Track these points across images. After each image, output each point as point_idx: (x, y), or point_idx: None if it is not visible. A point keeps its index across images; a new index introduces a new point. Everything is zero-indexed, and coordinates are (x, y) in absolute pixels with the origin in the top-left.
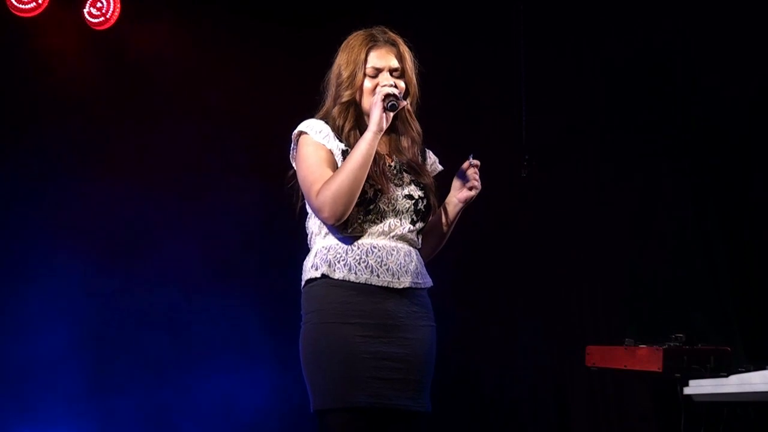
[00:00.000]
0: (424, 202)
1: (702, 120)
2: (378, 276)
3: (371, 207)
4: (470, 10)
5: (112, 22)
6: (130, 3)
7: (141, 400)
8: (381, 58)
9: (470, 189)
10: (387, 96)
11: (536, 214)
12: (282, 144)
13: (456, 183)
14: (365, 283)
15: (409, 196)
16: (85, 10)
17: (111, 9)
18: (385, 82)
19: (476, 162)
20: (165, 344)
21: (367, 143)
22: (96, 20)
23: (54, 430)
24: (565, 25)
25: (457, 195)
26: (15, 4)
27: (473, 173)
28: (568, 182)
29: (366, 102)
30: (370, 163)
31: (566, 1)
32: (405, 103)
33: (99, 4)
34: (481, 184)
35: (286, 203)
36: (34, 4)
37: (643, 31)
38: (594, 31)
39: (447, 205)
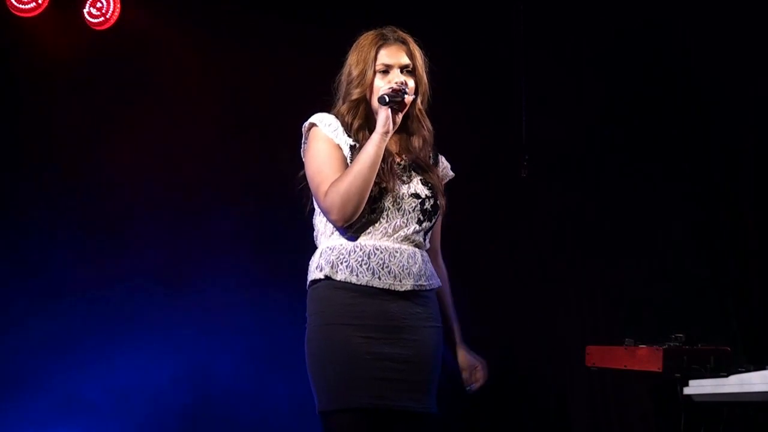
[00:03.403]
0: (432, 202)
1: (703, 120)
2: (379, 278)
3: (376, 206)
4: (470, 10)
5: (112, 22)
6: (130, 3)
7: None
8: (391, 55)
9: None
10: (386, 94)
11: (536, 214)
12: (286, 143)
13: (474, 365)
14: (366, 285)
15: (416, 195)
16: (85, 10)
17: (111, 9)
18: (398, 78)
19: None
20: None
21: (374, 145)
22: (96, 20)
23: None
24: (565, 25)
25: (465, 373)
26: (15, 4)
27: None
28: (567, 182)
29: (376, 100)
30: (379, 165)
31: (566, 1)
32: (410, 99)
33: (99, 4)
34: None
35: (295, 203)
36: (34, 4)
37: (644, 31)
38: (594, 31)
39: (454, 345)
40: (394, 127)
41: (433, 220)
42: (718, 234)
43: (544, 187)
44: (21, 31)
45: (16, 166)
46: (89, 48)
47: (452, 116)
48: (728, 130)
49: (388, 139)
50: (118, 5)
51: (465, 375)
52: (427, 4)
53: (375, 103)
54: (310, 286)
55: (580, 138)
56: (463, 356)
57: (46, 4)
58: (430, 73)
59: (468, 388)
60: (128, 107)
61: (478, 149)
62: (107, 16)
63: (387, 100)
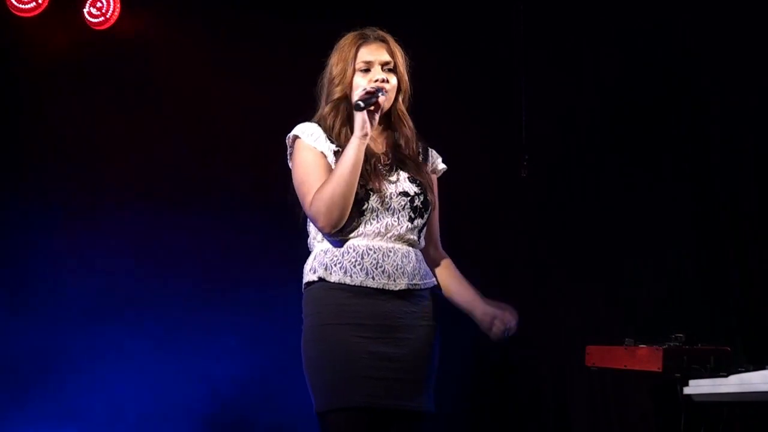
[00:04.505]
0: (421, 198)
1: (703, 120)
2: (373, 278)
3: (364, 207)
4: (470, 10)
5: (112, 22)
6: (130, 3)
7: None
8: (371, 52)
9: (499, 331)
10: (360, 99)
11: (536, 214)
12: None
13: (494, 314)
14: (361, 286)
15: (405, 193)
16: (85, 10)
17: (111, 9)
18: (379, 75)
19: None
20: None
21: (353, 149)
22: (96, 20)
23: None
24: (565, 24)
25: (487, 325)
26: (15, 4)
27: (502, 330)
28: (567, 182)
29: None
30: (360, 168)
31: (566, 1)
32: (383, 99)
33: (99, 4)
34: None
35: (289, 205)
36: (34, 4)
37: (644, 31)
38: (594, 30)
39: (472, 308)
40: (372, 129)
41: (425, 217)
42: (718, 234)
43: (544, 187)
44: (21, 31)
45: (16, 166)
46: (89, 48)
47: (452, 116)
48: (728, 130)
49: (367, 141)
50: (118, 5)
51: (498, 324)
52: (427, 4)
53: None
54: (305, 288)
55: (580, 138)
56: (489, 308)
57: (46, 4)
58: (430, 72)
59: (506, 333)
60: (128, 107)
61: (478, 149)
62: (107, 16)
63: (362, 105)
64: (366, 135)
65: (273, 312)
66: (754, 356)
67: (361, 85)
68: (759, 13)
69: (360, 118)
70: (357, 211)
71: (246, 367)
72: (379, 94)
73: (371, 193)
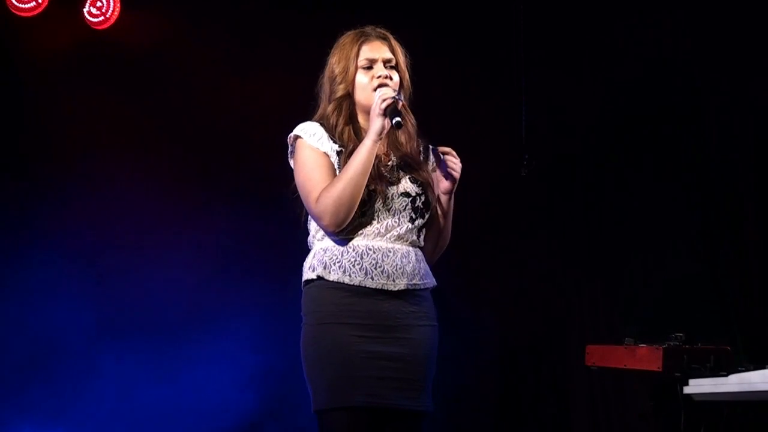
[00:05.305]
0: (422, 199)
1: (703, 119)
2: (372, 278)
3: (366, 208)
4: (470, 10)
5: (112, 21)
6: (130, 3)
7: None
8: (374, 50)
9: (447, 177)
10: (389, 106)
11: (536, 214)
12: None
13: (437, 176)
14: (359, 285)
15: (406, 194)
16: (85, 10)
17: (111, 8)
18: (382, 72)
19: (444, 149)
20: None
21: (366, 150)
22: (96, 20)
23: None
24: (565, 24)
25: (440, 188)
26: (15, 3)
27: (449, 160)
28: (567, 182)
29: (360, 95)
30: (370, 170)
31: (566, 1)
32: (402, 104)
33: (99, 4)
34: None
35: (290, 207)
36: (34, 3)
37: (645, 31)
38: (594, 30)
39: (438, 200)
40: (385, 132)
41: (426, 217)
42: (718, 234)
43: (544, 187)
44: (21, 31)
45: (16, 166)
46: (89, 48)
47: (452, 116)
48: (728, 129)
49: (378, 143)
50: (118, 5)
51: (443, 170)
52: (428, 4)
53: (360, 97)
54: (303, 286)
55: (580, 138)
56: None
57: (46, 3)
58: (431, 72)
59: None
60: (128, 107)
61: (478, 149)
62: (107, 16)
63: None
64: (381, 138)
65: (274, 312)
66: (754, 356)
67: (363, 82)
68: (758, 13)
69: (379, 123)
70: (359, 211)
71: (247, 368)
72: (399, 99)
73: (374, 194)
